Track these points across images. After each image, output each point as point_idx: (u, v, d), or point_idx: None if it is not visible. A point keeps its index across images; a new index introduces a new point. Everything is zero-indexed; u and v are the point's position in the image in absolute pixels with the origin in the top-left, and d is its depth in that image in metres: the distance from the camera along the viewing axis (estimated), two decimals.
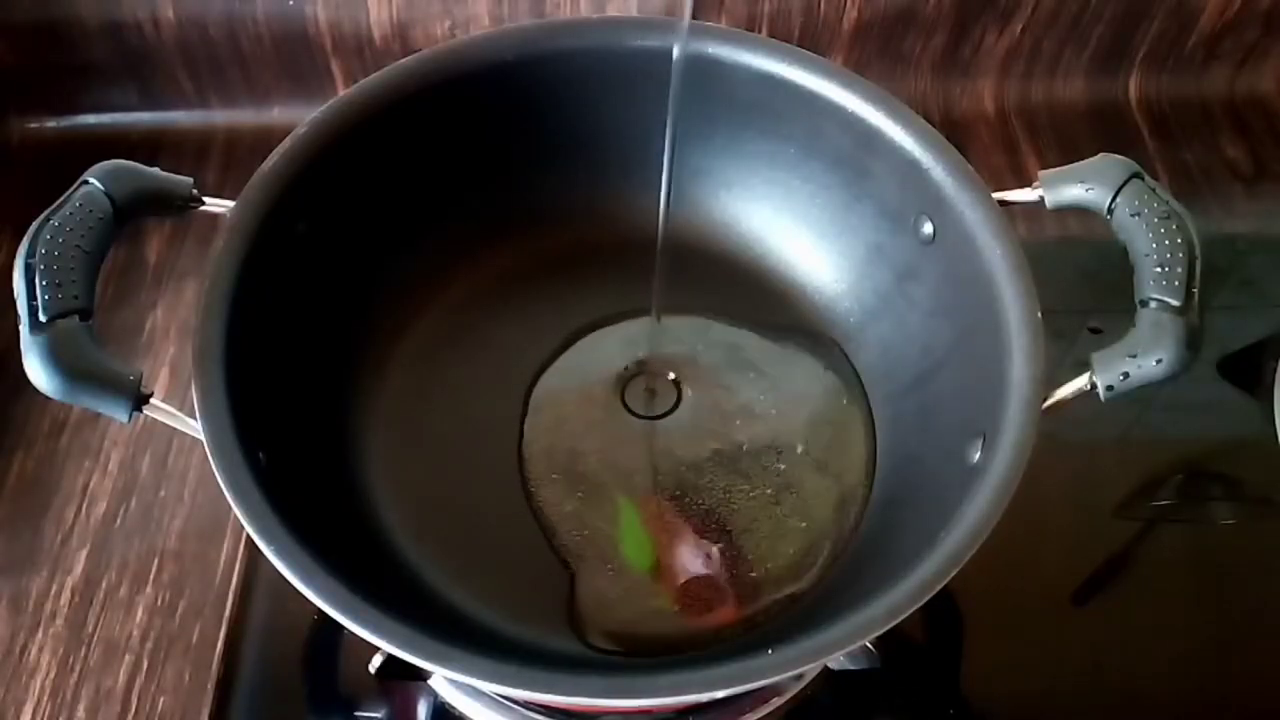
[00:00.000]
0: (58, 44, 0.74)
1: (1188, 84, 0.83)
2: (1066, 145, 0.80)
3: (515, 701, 0.54)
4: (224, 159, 0.77)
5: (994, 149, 0.79)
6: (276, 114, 0.79)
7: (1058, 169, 0.52)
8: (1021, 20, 0.78)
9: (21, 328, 0.43)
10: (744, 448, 0.58)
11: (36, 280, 0.44)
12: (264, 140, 0.78)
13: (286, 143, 0.52)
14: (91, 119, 0.78)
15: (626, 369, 0.61)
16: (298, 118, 0.79)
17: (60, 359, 0.43)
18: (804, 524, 0.56)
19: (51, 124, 0.78)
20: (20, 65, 0.76)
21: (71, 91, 0.78)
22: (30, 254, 0.44)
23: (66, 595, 0.59)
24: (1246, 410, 0.68)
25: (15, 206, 0.74)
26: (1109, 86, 0.83)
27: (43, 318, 0.43)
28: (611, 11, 0.75)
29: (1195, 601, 0.61)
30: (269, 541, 0.42)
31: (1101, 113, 0.82)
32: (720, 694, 0.41)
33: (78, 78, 0.77)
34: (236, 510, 0.42)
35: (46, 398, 0.65)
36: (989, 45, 0.80)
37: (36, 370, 0.43)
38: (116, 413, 0.44)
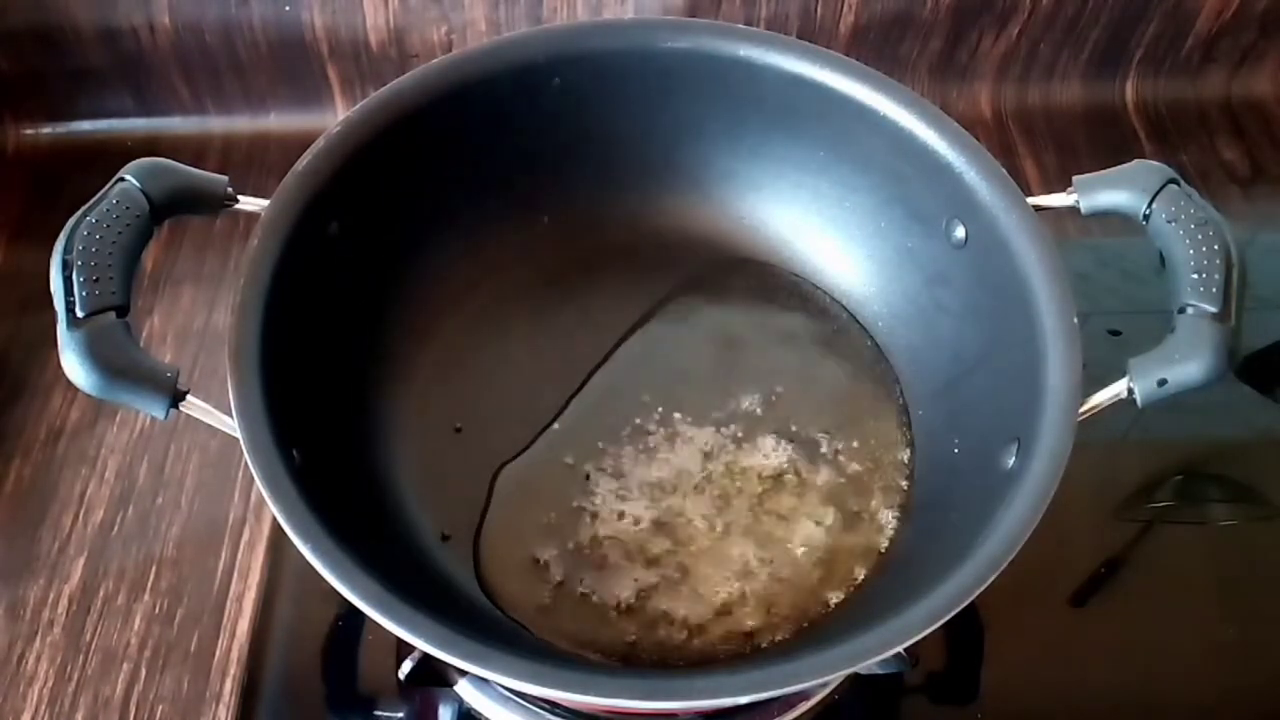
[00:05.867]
0: (53, 50, 0.74)
1: (1184, 87, 0.83)
2: (1063, 149, 0.80)
3: (542, 705, 0.53)
4: (220, 165, 0.77)
5: (991, 153, 0.78)
6: (273, 120, 0.79)
7: (1093, 174, 0.51)
8: (1018, 24, 0.78)
9: (59, 324, 0.43)
10: (782, 452, 0.58)
11: (74, 276, 0.44)
12: (260, 146, 0.79)
13: (320, 142, 0.52)
14: (87, 125, 0.78)
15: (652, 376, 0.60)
16: (294, 124, 0.80)
17: (98, 355, 0.43)
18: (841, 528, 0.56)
19: (47, 130, 0.78)
20: (16, 71, 0.76)
21: (67, 98, 0.77)
22: (67, 250, 0.44)
23: (64, 603, 0.59)
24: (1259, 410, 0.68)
25: (11, 213, 0.74)
26: (1106, 90, 0.83)
27: (79, 313, 0.43)
28: (607, 15, 0.75)
29: (1218, 603, 0.60)
30: (305, 539, 0.41)
31: (1098, 116, 0.82)
32: (757, 698, 0.41)
33: (73, 84, 0.77)
34: (273, 508, 0.42)
35: (43, 404, 0.66)
36: (985, 49, 0.80)
37: (74, 366, 0.43)
38: (154, 409, 0.44)
